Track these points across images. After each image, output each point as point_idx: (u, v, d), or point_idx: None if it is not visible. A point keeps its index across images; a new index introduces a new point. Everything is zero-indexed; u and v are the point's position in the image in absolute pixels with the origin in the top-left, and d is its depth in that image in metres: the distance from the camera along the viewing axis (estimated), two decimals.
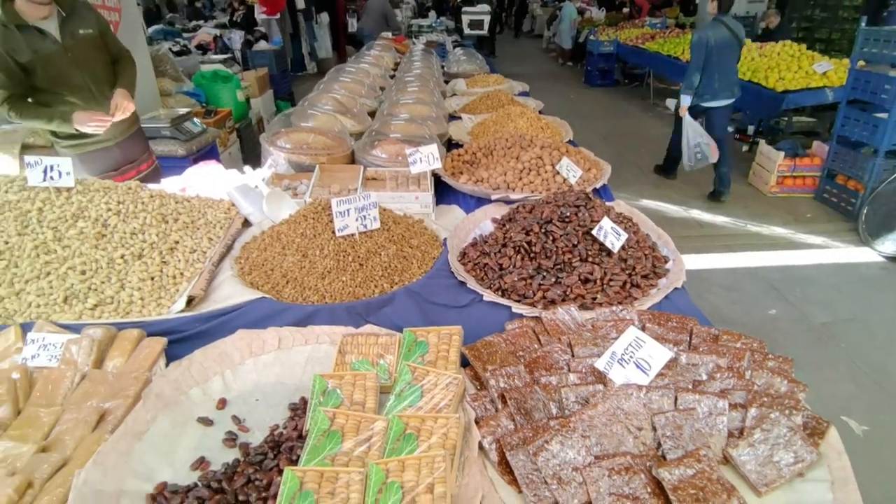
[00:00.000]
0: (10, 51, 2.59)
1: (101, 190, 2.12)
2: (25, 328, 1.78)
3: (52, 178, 2.05)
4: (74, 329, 1.77)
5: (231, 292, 1.90)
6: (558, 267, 1.94)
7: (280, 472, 1.27)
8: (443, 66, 6.53)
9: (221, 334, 1.74)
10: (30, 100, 2.76)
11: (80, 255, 1.95)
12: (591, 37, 13.04)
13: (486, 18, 12.54)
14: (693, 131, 5.88)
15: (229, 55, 7.19)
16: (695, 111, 5.99)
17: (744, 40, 6.01)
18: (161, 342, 1.70)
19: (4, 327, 1.81)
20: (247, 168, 2.66)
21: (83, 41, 2.83)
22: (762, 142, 6.74)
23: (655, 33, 11.63)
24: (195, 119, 4.24)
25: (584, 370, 1.56)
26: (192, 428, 1.49)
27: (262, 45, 8.78)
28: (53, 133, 2.89)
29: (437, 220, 2.43)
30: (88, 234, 1.99)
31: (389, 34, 8.95)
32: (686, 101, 5.90)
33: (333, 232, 1.96)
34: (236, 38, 8.88)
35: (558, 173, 2.69)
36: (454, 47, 8.45)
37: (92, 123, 2.73)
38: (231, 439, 1.44)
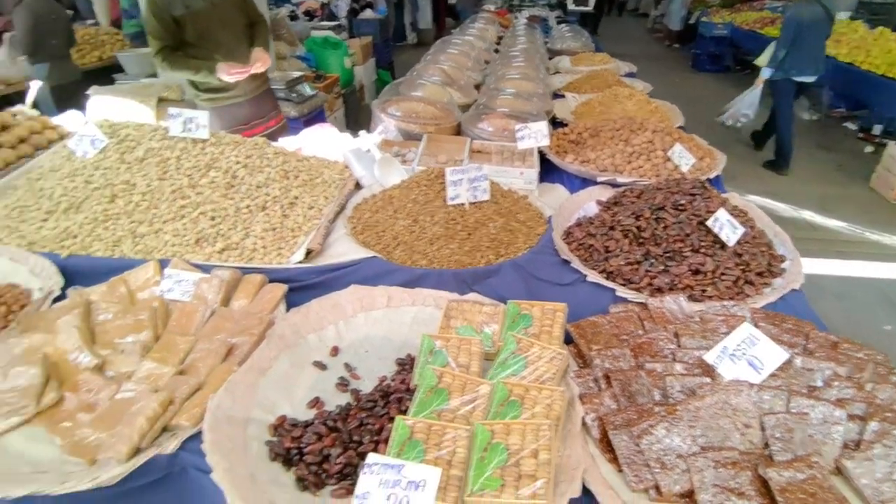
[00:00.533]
0: (166, 5, 2.85)
1: (231, 143, 2.27)
2: (163, 264, 1.97)
3: (189, 129, 2.22)
4: (204, 269, 1.93)
5: (345, 249, 2.00)
6: (668, 255, 1.90)
7: (390, 419, 1.35)
8: (546, 42, 6.40)
9: (335, 287, 1.84)
10: (179, 53, 3.00)
11: (210, 203, 2.11)
12: (704, 18, 12.29)
13: None
14: (750, 101, 6.21)
15: (337, 23, 7.38)
16: (788, 85, 6.10)
17: (835, 15, 6.10)
18: (282, 288, 1.83)
19: (144, 261, 2.01)
20: (362, 133, 2.75)
21: (228, 1, 3.03)
22: (891, 143, 6.15)
23: (776, 17, 10.78)
24: (307, 83, 4.42)
25: (690, 361, 1.53)
26: (308, 370, 1.60)
27: (367, 13, 8.94)
28: (194, 86, 3.14)
29: (539, 198, 2.43)
30: (219, 183, 2.15)
31: (491, 7, 8.85)
32: (766, 73, 6.04)
33: (444, 200, 2.01)
34: (342, 5, 9.09)
35: (669, 159, 2.60)
36: (558, 23, 8.25)
37: (234, 73, 2.95)
38: (343, 384, 1.54)
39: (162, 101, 3.08)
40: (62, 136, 2.94)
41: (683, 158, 2.60)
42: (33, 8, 4.35)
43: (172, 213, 2.10)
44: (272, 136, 3.01)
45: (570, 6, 11.85)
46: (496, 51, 5.42)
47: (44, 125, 2.90)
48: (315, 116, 4.47)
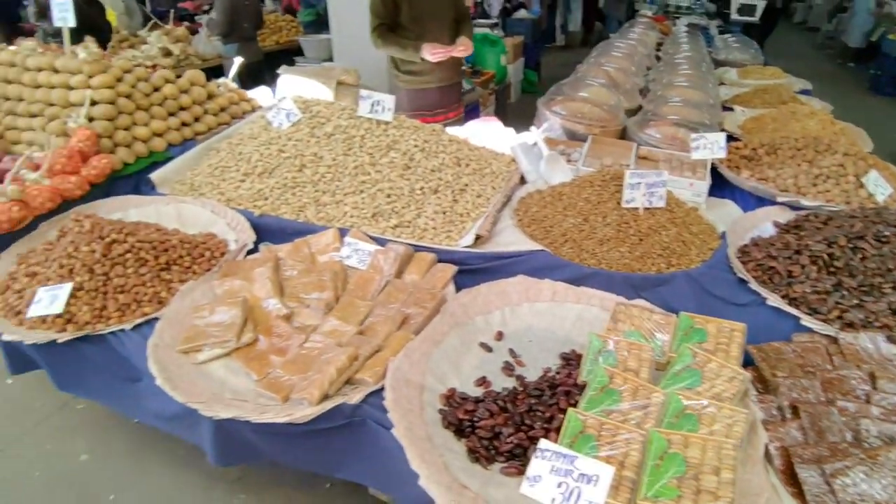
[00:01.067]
0: None
1: (411, 128, 2.40)
2: (342, 232, 2.13)
3: (376, 111, 2.38)
4: (379, 241, 2.06)
5: (512, 239, 2.04)
6: (863, 289, 1.74)
7: (560, 410, 1.37)
8: (709, 52, 6.05)
9: (501, 275, 1.89)
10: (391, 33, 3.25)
11: (388, 181, 2.25)
12: (890, 35, 10.98)
13: (760, 4, 11.23)
14: None
15: (493, 21, 7.50)
16: None
17: None
18: (452, 269, 1.91)
19: (325, 228, 2.18)
20: (532, 129, 2.78)
21: None
22: None
23: None
24: (466, 78, 4.55)
25: (889, 406, 1.40)
26: (474, 349, 1.66)
27: (521, 13, 8.98)
28: (395, 66, 3.40)
29: (707, 212, 2.32)
30: (397, 164, 2.28)
31: (648, 12, 8.52)
32: None
33: (618, 202, 1.99)
34: (495, 4, 9.19)
35: (862, 186, 2.37)
36: (720, 33, 7.77)
37: (436, 53, 3.14)
38: (508, 369, 1.58)
39: (340, 84, 3.32)
40: (254, 108, 3.26)
41: (880, 187, 2.36)
42: None
43: (353, 186, 2.26)
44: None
45: (734, 16, 11.10)
46: (657, 57, 5.22)
47: (241, 97, 3.23)
48: (471, 111, 4.59)
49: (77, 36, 4.64)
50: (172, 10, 6.14)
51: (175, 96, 2.86)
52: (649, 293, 1.80)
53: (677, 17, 9.44)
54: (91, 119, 2.55)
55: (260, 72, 4.95)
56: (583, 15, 12.17)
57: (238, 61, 3.29)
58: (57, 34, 4.56)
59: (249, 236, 2.18)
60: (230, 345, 1.64)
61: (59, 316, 1.76)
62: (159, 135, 2.76)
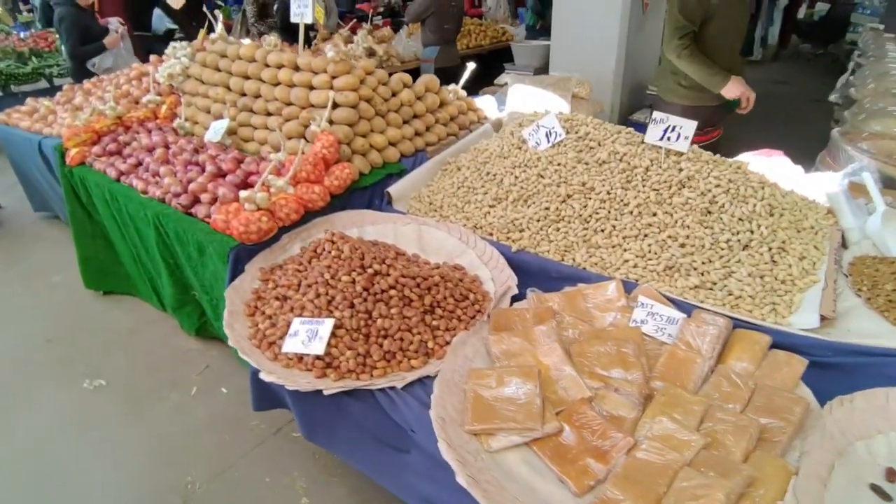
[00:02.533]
0: None
1: (710, 162, 1.95)
2: (626, 286, 1.74)
3: (668, 138, 1.95)
4: (680, 306, 1.64)
5: (869, 327, 1.53)
6: None
7: None
8: None
9: (864, 379, 1.39)
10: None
11: (683, 227, 1.81)
12: None
13: None
14: None
15: None
16: None
17: None
18: (802, 363, 1.44)
19: (599, 276, 1.80)
20: (826, 172, 2.22)
21: (742, 12, 2.85)
22: None
23: None
24: None
25: None
26: (864, 494, 1.18)
27: None
28: (676, 78, 2.92)
29: None
30: (694, 206, 1.84)
31: (881, 27, 7.29)
32: None
33: None
34: None
35: None
36: None
37: (737, 92, 2.73)
38: None
39: (573, 97, 2.95)
40: (480, 119, 2.98)
41: None
42: None
43: (636, 229, 1.86)
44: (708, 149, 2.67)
45: None
46: None
47: (469, 106, 2.97)
48: None
49: (286, 35, 4.74)
50: (369, 12, 6.14)
51: (411, 102, 2.64)
52: None
53: None
54: (331, 123, 2.38)
55: (455, 77, 4.72)
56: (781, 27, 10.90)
57: (471, 67, 3.02)
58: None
59: (511, 278, 1.86)
60: (534, 434, 1.29)
61: (318, 357, 1.53)
62: (393, 144, 2.54)
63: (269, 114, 2.69)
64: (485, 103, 3.10)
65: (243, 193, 1.99)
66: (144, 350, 2.76)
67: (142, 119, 3.07)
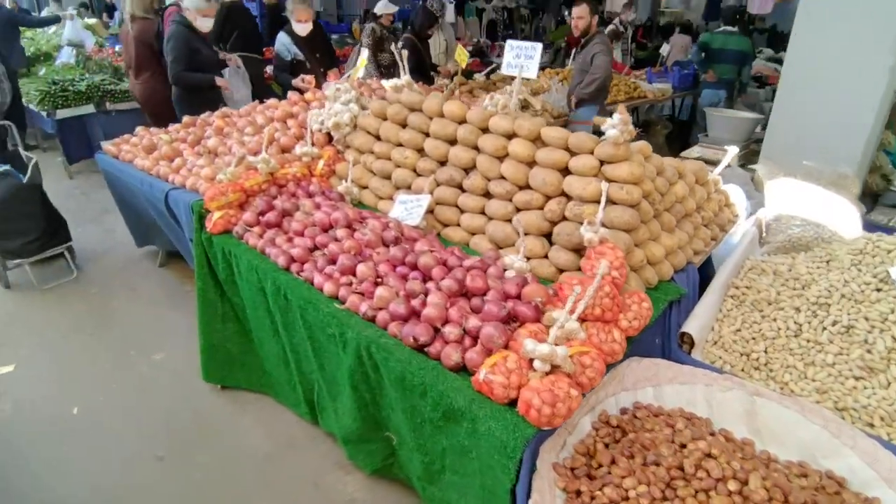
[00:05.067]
0: None
1: None
2: None
3: None
4: None
5: None
6: None
7: None
8: None
9: None
10: None
11: None
12: None
13: None
14: None
15: None
16: None
17: None
18: None
19: None
20: None
21: None
22: None
23: None
24: None
25: None
26: None
27: None
28: None
29: None
30: None
31: None
32: None
33: None
34: None
35: None
36: None
37: None
38: None
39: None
40: (733, 217, 2.29)
41: None
42: None
43: None
44: None
45: None
46: None
47: (726, 200, 2.27)
48: None
49: (415, 77, 4.12)
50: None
51: (682, 197, 1.96)
52: None
53: None
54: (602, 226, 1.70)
55: None
56: None
57: (733, 151, 2.33)
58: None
59: None
60: None
61: None
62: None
63: (487, 194, 2.03)
64: (732, 193, 2.39)
65: (534, 346, 1.30)
66: (289, 490, 2.06)
67: (298, 177, 2.44)
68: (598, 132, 1.82)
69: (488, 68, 5.04)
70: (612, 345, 1.45)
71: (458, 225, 2.09)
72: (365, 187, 2.42)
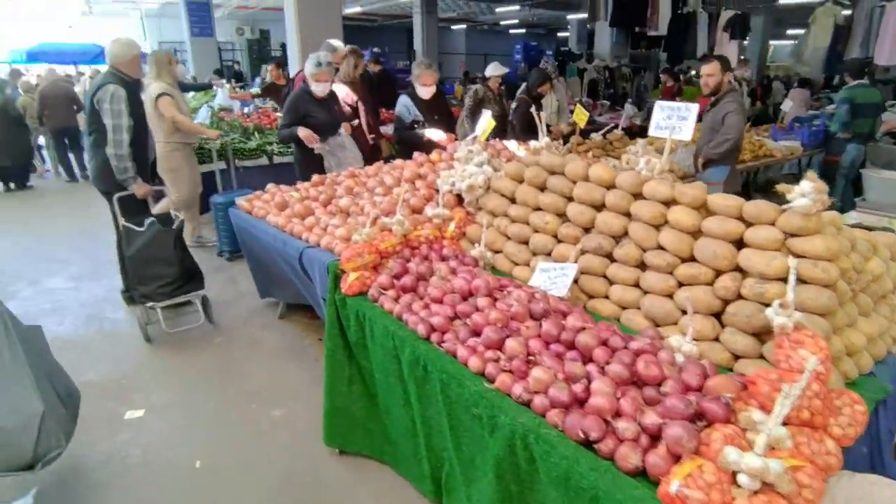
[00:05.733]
0: None
1: None
2: None
3: None
4: None
5: None
6: None
7: None
8: None
9: None
10: None
11: None
12: None
13: None
14: None
15: None
16: None
17: None
18: None
19: None
20: None
21: None
22: None
23: None
24: None
25: None
26: None
27: None
28: None
29: None
30: None
31: None
32: None
33: None
34: None
35: None
36: None
37: None
38: None
39: None
40: None
41: None
42: None
43: None
44: None
45: None
46: None
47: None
48: None
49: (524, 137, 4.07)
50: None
51: (879, 276, 1.69)
52: None
53: None
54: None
55: None
56: None
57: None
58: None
59: None
60: None
61: None
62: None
63: (640, 265, 1.87)
64: None
65: (739, 458, 1.10)
66: None
67: (431, 240, 2.40)
68: (741, 194, 1.62)
69: (605, 128, 4.91)
70: (826, 458, 1.21)
71: (607, 297, 1.93)
72: (498, 251, 2.33)
